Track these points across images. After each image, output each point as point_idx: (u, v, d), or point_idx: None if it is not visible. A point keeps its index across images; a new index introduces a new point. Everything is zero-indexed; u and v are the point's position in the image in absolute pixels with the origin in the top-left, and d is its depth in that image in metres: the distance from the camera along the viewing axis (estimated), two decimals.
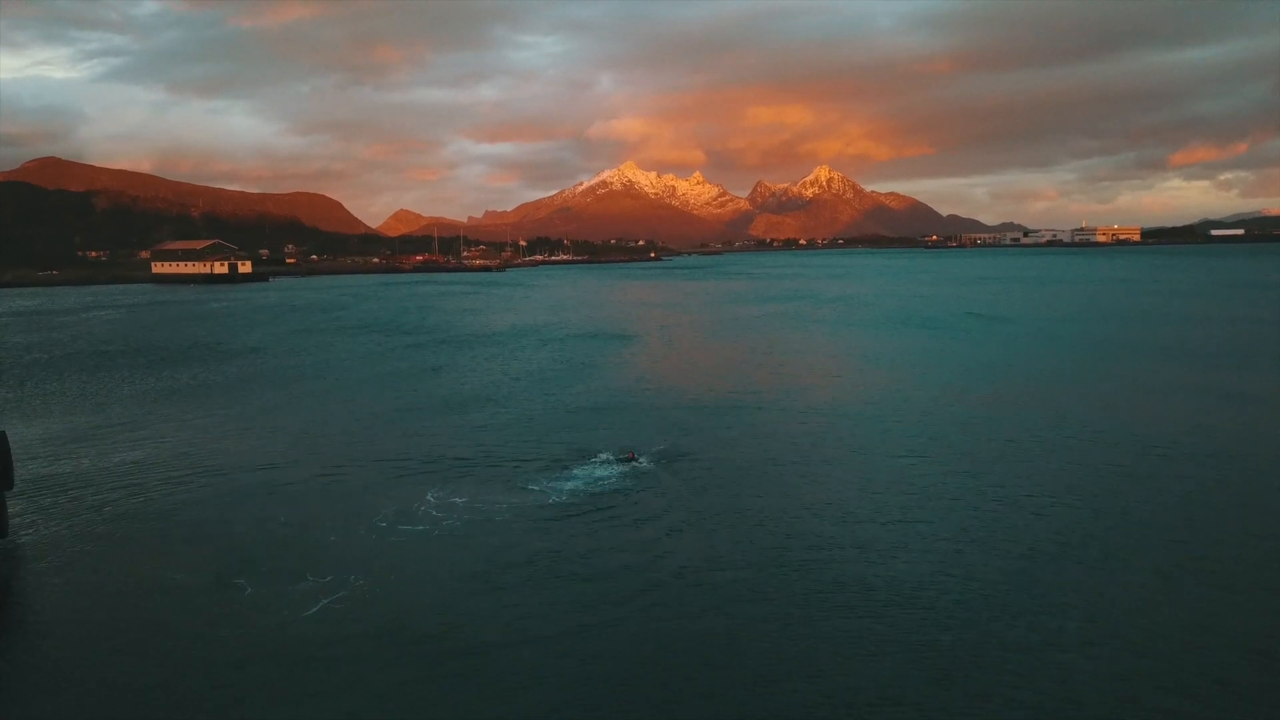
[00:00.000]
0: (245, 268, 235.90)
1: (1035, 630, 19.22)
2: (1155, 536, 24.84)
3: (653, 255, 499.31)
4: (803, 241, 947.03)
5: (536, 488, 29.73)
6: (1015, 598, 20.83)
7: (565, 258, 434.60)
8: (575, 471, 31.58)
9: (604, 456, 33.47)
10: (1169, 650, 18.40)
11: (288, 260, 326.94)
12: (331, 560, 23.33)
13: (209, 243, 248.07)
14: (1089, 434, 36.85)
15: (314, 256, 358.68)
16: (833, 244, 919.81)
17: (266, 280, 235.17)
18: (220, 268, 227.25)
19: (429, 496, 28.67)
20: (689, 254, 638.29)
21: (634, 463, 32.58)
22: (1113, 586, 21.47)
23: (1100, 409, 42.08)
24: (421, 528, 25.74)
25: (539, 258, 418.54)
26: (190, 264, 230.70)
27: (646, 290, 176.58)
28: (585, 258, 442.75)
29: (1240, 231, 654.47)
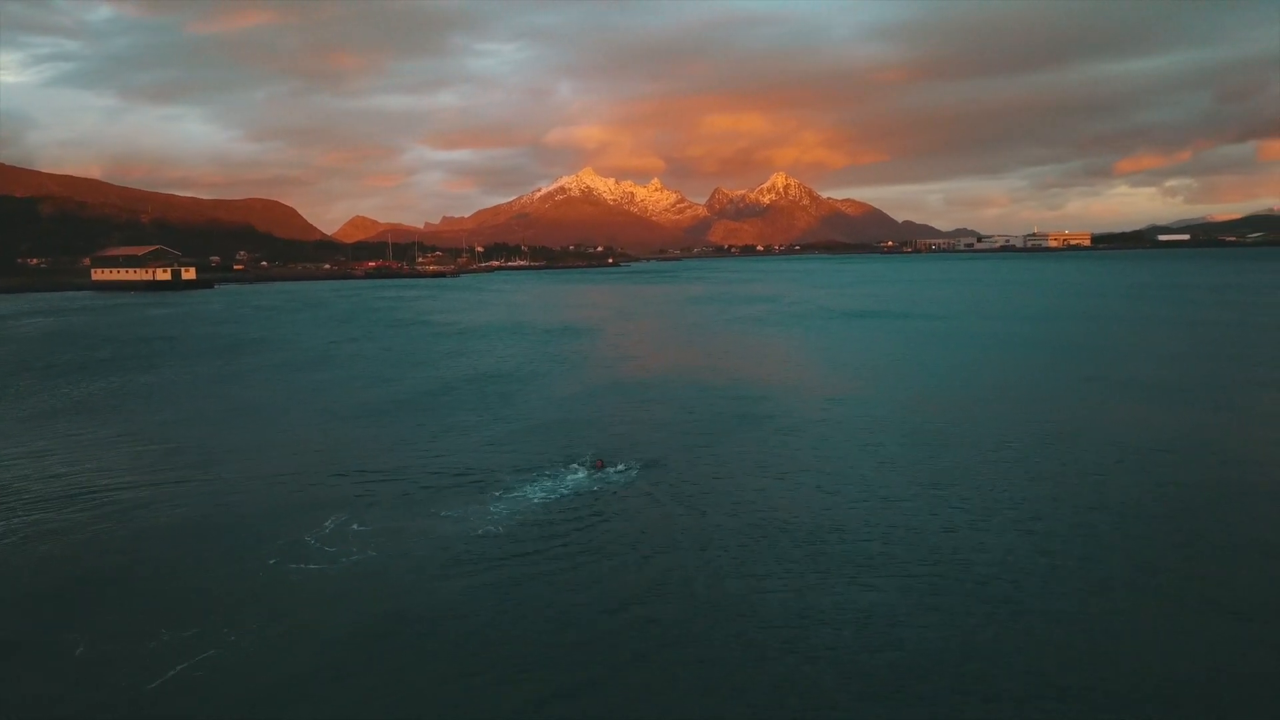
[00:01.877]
0: (189, 274, 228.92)
1: (1028, 676, 16.21)
2: (1159, 557, 21.92)
3: (611, 261, 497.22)
4: (760, 248, 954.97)
5: (462, 511, 26.04)
6: (1002, 636, 17.78)
7: (523, 263, 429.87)
8: (504, 493, 28.01)
9: (544, 472, 29.97)
10: (1190, 698, 15.51)
11: (235, 267, 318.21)
12: (200, 609, 19.28)
13: (151, 249, 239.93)
14: (1068, 440, 34.17)
15: (264, 263, 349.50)
16: (790, 250, 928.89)
17: (211, 287, 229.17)
18: (163, 274, 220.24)
19: (329, 525, 24.67)
20: (648, 260, 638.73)
21: (583, 475, 29.16)
22: (1115, 618, 18.54)
23: (1080, 412, 39.66)
24: (316, 566, 21.72)
25: (495, 264, 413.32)
26: (131, 271, 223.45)
27: (606, 294, 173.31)
28: (543, 263, 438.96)
29: (1186, 236, 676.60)
